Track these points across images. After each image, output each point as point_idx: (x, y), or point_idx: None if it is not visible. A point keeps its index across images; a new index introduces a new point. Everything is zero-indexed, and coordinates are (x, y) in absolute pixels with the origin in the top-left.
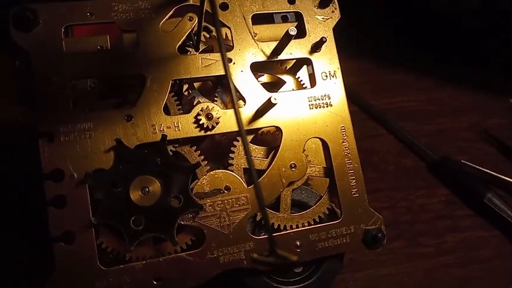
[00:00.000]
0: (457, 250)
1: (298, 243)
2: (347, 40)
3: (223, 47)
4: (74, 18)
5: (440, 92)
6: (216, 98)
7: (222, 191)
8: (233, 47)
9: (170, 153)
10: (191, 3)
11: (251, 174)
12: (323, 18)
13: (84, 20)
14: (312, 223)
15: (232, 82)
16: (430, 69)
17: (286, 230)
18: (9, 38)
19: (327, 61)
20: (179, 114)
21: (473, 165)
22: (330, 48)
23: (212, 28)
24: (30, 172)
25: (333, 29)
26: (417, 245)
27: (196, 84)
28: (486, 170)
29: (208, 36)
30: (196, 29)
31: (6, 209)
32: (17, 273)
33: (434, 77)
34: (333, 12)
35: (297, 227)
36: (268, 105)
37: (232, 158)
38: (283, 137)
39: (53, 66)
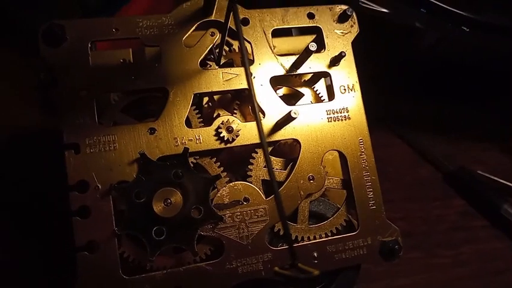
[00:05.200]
0: (473, 261)
1: (315, 254)
2: (361, 49)
3: (247, 63)
4: (100, 33)
5: (455, 101)
6: (235, 111)
7: (241, 203)
8: (253, 61)
9: (192, 165)
10: (213, 18)
11: (272, 186)
12: (341, 33)
13: (110, 35)
14: (330, 235)
15: (255, 97)
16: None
17: (304, 242)
18: (35, 48)
19: (346, 75)
20: (201, 127)
21: (490, 176)
22: (348, 62)
23: (232, 42)
24: (53, 180)
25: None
26: (433, 256)
27: (215, 97)
28: (502, 181)
29: (228, 50)
30: (217, 43)
31: (27, 217)
32: (40, 282)
33: (449, 86)
34: (352, 26)
35: (315, 238)
36: (287, 119)
37: (251, 170)
38: (301, 149)
39: (79, 81)
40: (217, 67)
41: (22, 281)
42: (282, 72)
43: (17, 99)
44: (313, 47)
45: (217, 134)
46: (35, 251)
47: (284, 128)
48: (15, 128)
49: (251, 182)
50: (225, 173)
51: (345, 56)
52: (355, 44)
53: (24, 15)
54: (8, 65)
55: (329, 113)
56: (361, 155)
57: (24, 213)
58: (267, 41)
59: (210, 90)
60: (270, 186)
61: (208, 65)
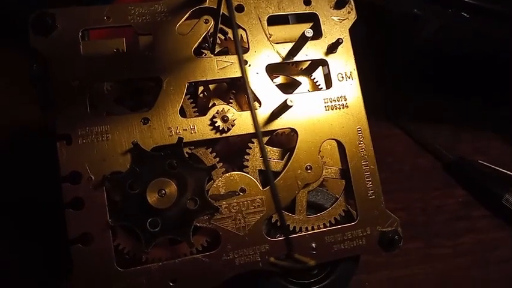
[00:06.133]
0: (473, 251)
1: (314, 245)
2: (361, 39)
3: (240, 50)
4: (92, 22)
5: (456, 91)
6: (231, 100)
7: (237, 193)
8: (248, 49)
9: (187, 156)
10: (207, 5)
11: (268, 176)
12: (339, 19)
13: (101, 23)
14: (328, 225)
15: (249, 85)
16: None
17: (302, 232)
18: (28, 41)
19: (343, 62)
20: (195, 116)
21: (490, 165)
22: (346, 49)
23: (227, 30)
24: (48, 174)
25: (349, 29)
26: (433, 246)
27: (210, 86)
28: (503, 170)
29: (223, 38)
30: (211, 31)
31: (27, 217)
32: (40, 282)
33: (450, 76)
34: (349, 13)
35: (313, 229)
36: (284, 107)
37: (247, 160)
38: (298, 138)
39: (70, 70)
40: (211, 55)
41: (22, 281)
42: (278, 60)
43: (17, 99)
44: (309, 33)
45: (212, 123)
46: (35, 251)
47: (281, 117)
48: (16, 128)
49: (248, 172)
50: (221, 164)
51: (342, 42)
52: (355, 34)
53: (25, 15)
54: (8, 66)
55: (326, 101)
56: (359, 144)
57: (24, 213)
58: (263, 28)
59: (205, 79)
60: (266, 176)
61: (203, 54)
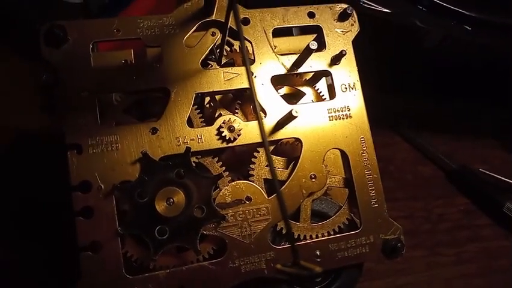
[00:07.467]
0: (476, 260)
1: (318, 253)
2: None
3: (247, 62)
4: (102, 34)
5: (457, 99)
6: (236, 110)
7: (243, 202)
8: (254, 60)
9: (194, 165)
10: (214, 18)
11: (274, 185)
12: (342, 31)
13: (111, 36)
14: (332, 233)
15: (256, 96)
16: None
17: (306, 240)
18: (38, 51)
19: (347, 73)
20: (202, 126)
21: (492, 174)
22: (349, 61)
23: (233, 42)
24: (48, 174)
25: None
26: (436, 255)
27: (217, 97)
28: (505, 179)
29: (229, 50)
30: (218, 43)
31: (28, 217)
32: (41, 282)
33: (451, 84)
34: (352, 25)
35: (317, 237)
36: (289, 118)
37: (253, 169)
38: (303, 148)
39: (81, 81)
40: (218, 67)
41: (22, 281)
42: (283, 71)
43: (17, 100)
44: (314, 45)
45: (219, 133)
46: (35, 251)
47: (285, 127)
48: (15, 129)
49: (253, 181)
50: (227, 173)
51: (345, 54)
52: (356, 43)
53: (26, 16)
54: (7, 66)
55: (330, 111)
56: (363, 153)
57: (24, 213)
58: (268, 40)
59: (211, 90)
60: (272, 185)
61: (210, 65)
